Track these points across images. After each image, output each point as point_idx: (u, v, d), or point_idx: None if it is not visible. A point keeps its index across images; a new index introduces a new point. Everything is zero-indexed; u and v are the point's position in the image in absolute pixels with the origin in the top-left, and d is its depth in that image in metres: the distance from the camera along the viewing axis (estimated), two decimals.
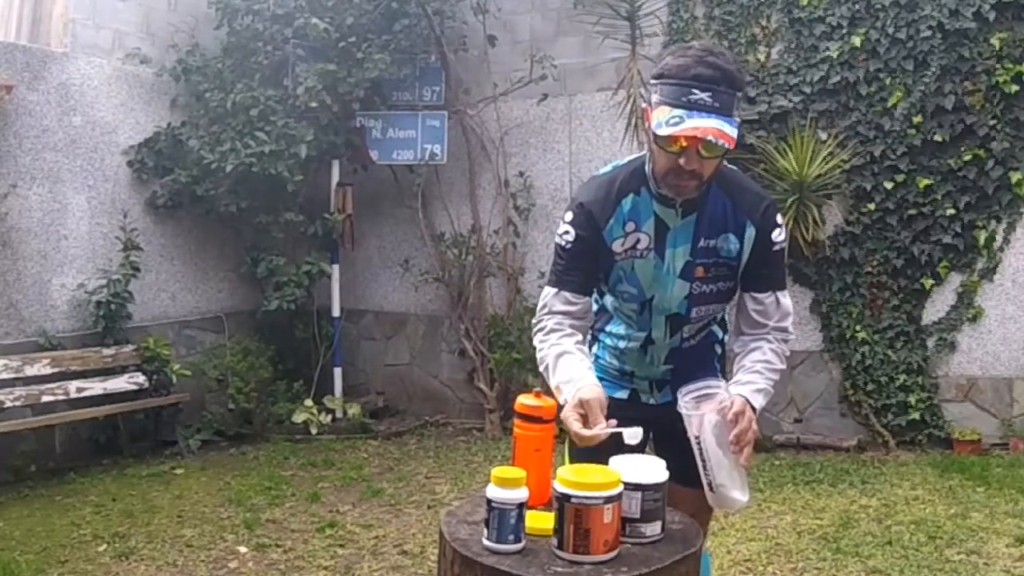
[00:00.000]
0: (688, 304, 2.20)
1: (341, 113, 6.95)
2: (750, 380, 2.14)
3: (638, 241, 2.15)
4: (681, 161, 2.01)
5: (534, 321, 2.25)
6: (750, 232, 2.15)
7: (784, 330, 2.25)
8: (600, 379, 2.27)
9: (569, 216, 2.18)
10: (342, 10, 6.83)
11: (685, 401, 2.06)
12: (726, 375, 2.39)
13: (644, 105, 2.11)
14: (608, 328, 2.35)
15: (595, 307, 2.32)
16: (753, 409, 2.07)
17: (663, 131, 1.96)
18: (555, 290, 2.20)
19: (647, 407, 2.32)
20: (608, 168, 2.26)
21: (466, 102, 7.17)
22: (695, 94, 1.95)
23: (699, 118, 1.94)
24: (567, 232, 2.16)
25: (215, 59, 6.96)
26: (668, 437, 2.18)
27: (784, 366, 2.24)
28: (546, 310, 2.20)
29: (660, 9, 6.51)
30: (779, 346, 2.23)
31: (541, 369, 2.17)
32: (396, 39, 6.87)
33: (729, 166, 2.27)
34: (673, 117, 1.95)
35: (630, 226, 2.15)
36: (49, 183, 6.10)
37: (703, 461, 2.03)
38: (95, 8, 6.47)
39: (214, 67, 6.89)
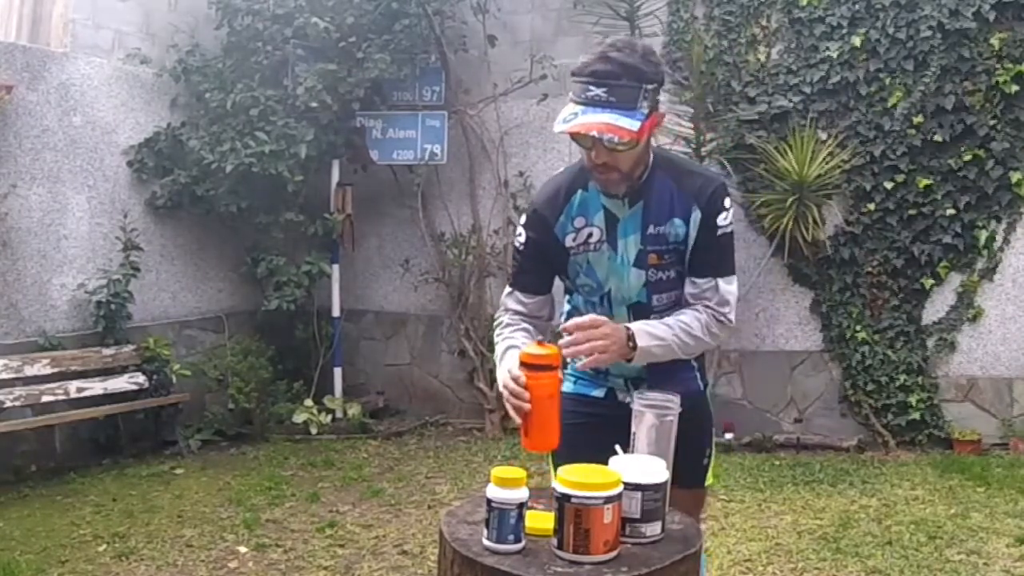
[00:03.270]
0: (647, 292, 2.21)
1: (341, 113, 6.95)
2: (652, 324, 2.12)
3: (590, 235, 2.19)
4: (592, 155, 2.05)
5: (495, 317, 2.36)
6: (696, 216, 2.15)
7: (719, 314, 2.18)
8: (577, 378, 2.36)
9: (523, 219, 2.29)
10: (342, 10, 6.83)
11: (639, 399, 2.02)
12: (706, 378, 2.38)
13: None
14: None
15: (567, 307, 2.38)
16: (632, 339, 2.04)
17: (558, 128, 2.01)
18: (510, 290, 2.33)
19: (624, 406, 2.31)
20: (561, 169, 2.33)
21: (466, 102, 7.17)
22: (591, 90, 1.99)
23: (591, 114, 1.97)
24: (520, 234, 2.28)
25: (215, 59, 6.96)
26: (623, 437, 2.16)
27: (707, 340, 2.16)
28: (503, 308, 2.33)
29: (660, 9, 6.51)
30: (707, 318, 2.16)
31: (496, 359, 2.26)
32: (396, 39, 6.87)
33: (676, 152, 2.28)
34: (570, 113, 1.99)
35: (579, 221, 2.20)
36: (49, 183, 6.10)
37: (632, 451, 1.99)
38: (95, 8, 6.47)
39: (214, 67, 6.89)
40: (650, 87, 2.02)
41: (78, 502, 5.22)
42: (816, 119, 6.31)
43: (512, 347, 2.18)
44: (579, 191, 2.20)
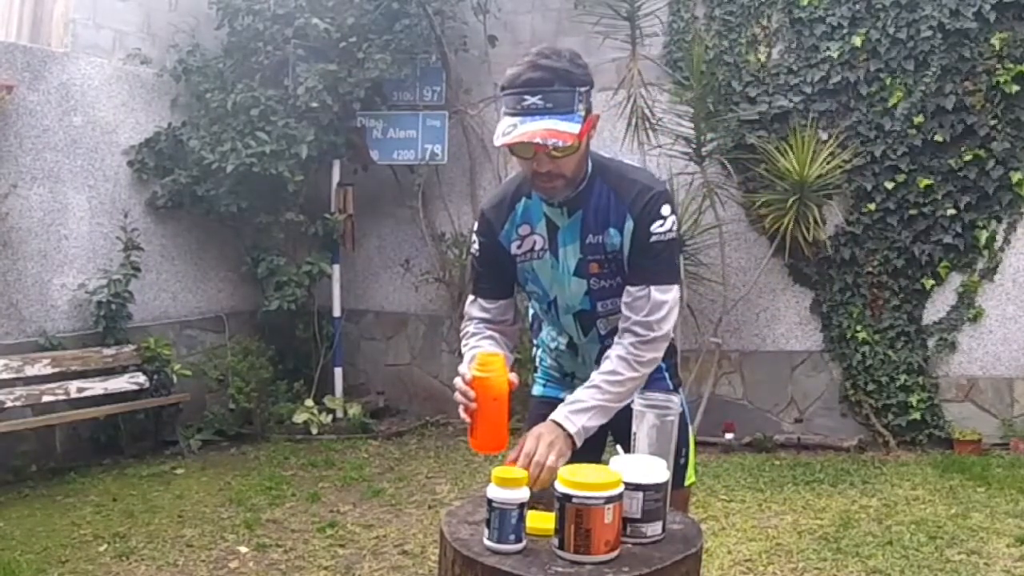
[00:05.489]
0: (591, 300, 2.20)
1: (342, 113, 6.95)
2: (578, 399, 2.09)
3: (535, 243, 2.20)
4: (535, 165, 2.04)
5: (461, 326, 2.37)
6: (628, 225, 2.12)
7: (646, 325, 2.10)
8: (546, 381, 2.41)
9: (475, 225, 2.30)
10: (343, 10, 6.83)
11: (640, 399, 2.02)
12: (678, 374, 2.37)
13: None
14: (542, 332, 2.41)
15: (531, 312, 2.41)
16: (564, 430, 2.02)
17: (499, 141, 2.00)
18: (472, 298, 2.33)
19: None
20: (511, 176, 2.33)
21: (467, 102, 7.17)
22: (526, 99, 1.98)
23: (531, 122, 1.96)
24: (474, 241, 2.29)
25: (216, 59, 6.96)
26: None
27: (641, 371, 2.11)
28: (468, 316, 2.33)
29: (660, 9, 6.50)
30: (631, 351, 2.10)
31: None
32: (397, 39, 6.87)
33: (621, 160, 2.25)
34: (508, 126, 1.98)
35: (524, 229, 2.20)
36: (49, 183, 6.10)
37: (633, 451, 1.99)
38: (95, 8, 6.47)
39: (214, 67, 6.89)
40: (583, 90, 2.02)
41: (78, 502, 5.22)
42: (817, 119, 6.31)
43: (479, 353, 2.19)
44: (523, 199, 2.20)
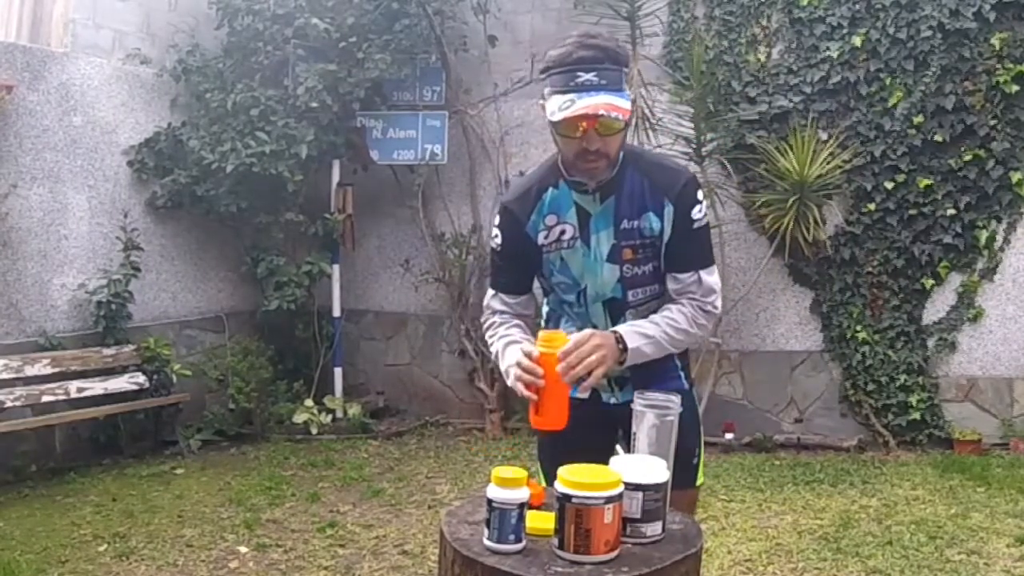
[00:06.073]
0: (622, 288, 2.22)
1: (341, 113, 6.95)
2: (640, 325, 2.14)
3: (563, 232, 2.21)
4: (583, 143, 2.07)
5: (482, 320, 2.39)
6: (669, 209, 2.16)
7: (703, 303, 2.20)
8: None
9: (496, 219, 2.31)
10: (342, 10, 6.83)
11: (640, 399, 2.02)
12: (691, 377, 2.39)
13: (540, 102, 2.15)
14: (560, 328, 2.39)
15: (545, 308, 2.41)
16: (621, 341, 2.07)
17: (557, 116, 2.03)
18: (493, 292, 2.37)
19: (608, 406, 2.32)
20: (531, 169, 2.35)
21: (466, 102, 7.17)
22: (580, 76, 2.02)
23: (588, 97, 2.00)
24: (496, 235, 2.30)
25: (215, 59, 6.96)
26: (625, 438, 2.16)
27: (697, 332, 2.20)
28: (490, 309, 2.37)
29: (660, 9, 6.50)
30: (693, 312, 2.19)
31: (493, 358, 2.30)
32: (396, 39, 6.87)
33: (645, 147, 2.30)
34: (565, 102, 2.02)
35: (551, 219, 2.22)
36: (49, 183, 6.10)
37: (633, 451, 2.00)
38: (95, 8, 6.47)
39: (214, 67, 6.89)
40: (626, 70, 2.09)
41: (78, 502, 5.22)
42: (816, 119, 6.31)
43: (512, 342, 2.20)
44: (550, 189, 2.22)
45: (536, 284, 2.38)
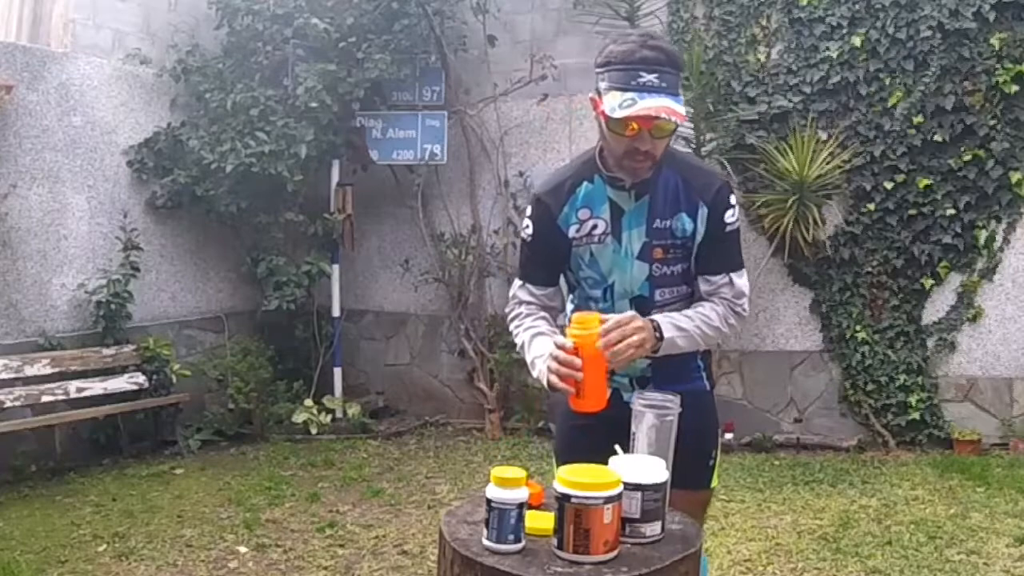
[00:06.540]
0: (650, 286, 2.23)
1: (341, 113, 6.95)
2: (675, 318, 2.16)
3: (595, 227, 2.22)
4: (635, 143, 2.07)
5: (507, 310, 2.38)
6: (703, 212, 2.18)
7: (734, 304, 2.24)
8: None
9: (528, 210, 2.31)
10: (342, 10, 6.83)
11: (639, 399, 2.02)
12: (712, 378, 2.39)
13: (591, 95, 2.15)
14: None
15: (570, 306, 2.40)
16: (658, 330, 2.08)
17: (617, 114, 2.02)
18: (520, 282, 2.35)
19: (628, 406, 2.30)
20: (565, 162, 2.37)
21: (466, 102, 7.17)
22: (643, 76, 2.02)
23: (650, 99, 2.01)
24: (528, 226, 2.30)
25: (215, 59, 6.96)
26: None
27: (724, 329, 2.22)
28: (516, 300, 2.35)
29: (660, 9, 6.51)
30: (724, 310, 2.22)
31: (519, 349, 2.30)
32: (396, 39, 6.87)
33: (680, 149, 2.30)
34: (625, 100, 2.01)
35: (584, 213, 2.22)
36: (49, 183, 6.10)
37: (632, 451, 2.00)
38: (95, 8, 6.47)
39: (214, 67, 6.89)
40: (683, 75, 2.13)
41: (78, 502, 5.22)
42: (816, 119, 6.31)
43: (539, 333, 2.21)
44: (584, 183, 2.22)
45: (562, 281, 2.39)
